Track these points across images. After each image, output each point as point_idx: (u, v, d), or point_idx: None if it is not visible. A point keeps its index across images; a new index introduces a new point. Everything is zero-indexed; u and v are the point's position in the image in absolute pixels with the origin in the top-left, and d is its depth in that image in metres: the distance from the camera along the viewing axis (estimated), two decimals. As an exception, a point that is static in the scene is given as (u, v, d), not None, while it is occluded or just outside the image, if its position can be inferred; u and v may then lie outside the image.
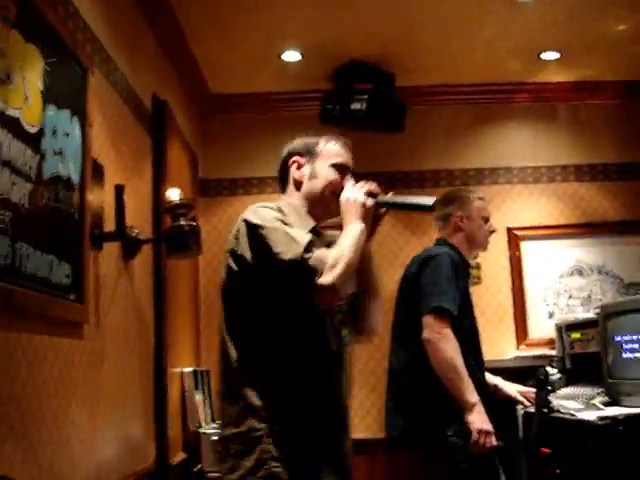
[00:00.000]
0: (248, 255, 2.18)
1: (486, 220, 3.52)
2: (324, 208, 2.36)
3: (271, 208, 2.24)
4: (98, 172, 2.99)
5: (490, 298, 5.34)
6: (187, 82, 4.93)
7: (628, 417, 3.12)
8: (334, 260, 2.10)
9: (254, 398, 2.16)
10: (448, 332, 3.09)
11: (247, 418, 2.16)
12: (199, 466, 4.18)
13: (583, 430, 3.23)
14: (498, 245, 5.36)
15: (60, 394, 2.51)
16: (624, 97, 5.55)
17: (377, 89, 5.01)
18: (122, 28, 3.51)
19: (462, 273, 3.33)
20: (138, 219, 3.52)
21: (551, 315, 5.31)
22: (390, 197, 2.32)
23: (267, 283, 2.17)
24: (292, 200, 2.38)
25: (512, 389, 3.68)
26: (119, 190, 3.09)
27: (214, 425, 4.53)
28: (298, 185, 2.39)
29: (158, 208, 3.88)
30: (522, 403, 3.69)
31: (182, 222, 3.31)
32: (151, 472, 3.59)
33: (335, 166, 2.37)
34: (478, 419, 3.02)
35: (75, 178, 2.65)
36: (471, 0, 4.24)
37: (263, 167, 5.44)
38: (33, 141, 2.30)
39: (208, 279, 5.29)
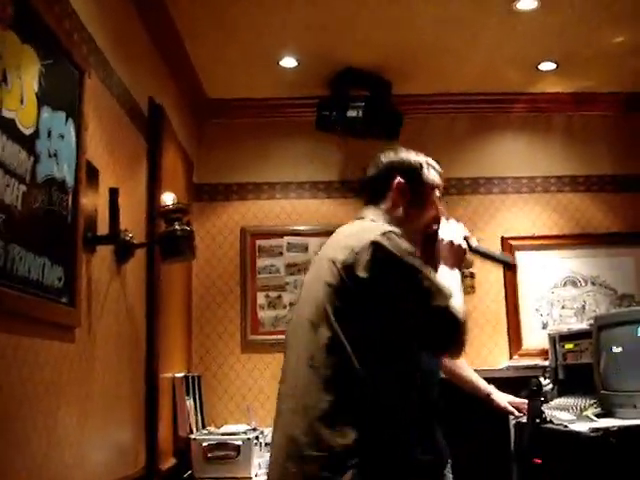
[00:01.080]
0: (371, 282, 2.00)
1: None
2: (411, 238, 2.20)
3: (402, 237, 2.09)
4: (93, 175, 2.97)
5: (484, 308, 5.33)
6: (183, 86, 4.93)
7: (620, 429, 3.10)
8: (465, 316, 2.04)
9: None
10: None
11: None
12: (189, 472, 4.16)
13: (575, 441, 3.22)
14: (492, 255, 5.35)
15: (50, 398, 2.49)
16: (621, 109, 5.56)
17: (373, 96, 5.01)
18: (119, 31, 3.50)
19: None
20: (132, 223, 3.51)
21: (544, 325, 5.30)
22: (481, 247, 2.32)
23: (398, 321, 2.02)
24: (387, 220, 2.24)
25: (504, 400, 3.67)
26: (113, 193, 3.08)
27: (204, 431, 4.51)
28: (396, 207, 2.27)
29: (152, 212, 3.87)
30: (513, 414, 3.67)
31: (176, 227, 3.29)
32: (141, 478, 3.56)
33: (436, 199, 2.32)
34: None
35: (69, 181, 2.63)
36: (469, 9, 4.24)
37: (259, 173, 5.45)
38: (28, 143, 2.28)
39: (201, 284, 5.29)
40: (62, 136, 2.58)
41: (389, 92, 5.07)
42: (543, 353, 5.00)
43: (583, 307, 5.35)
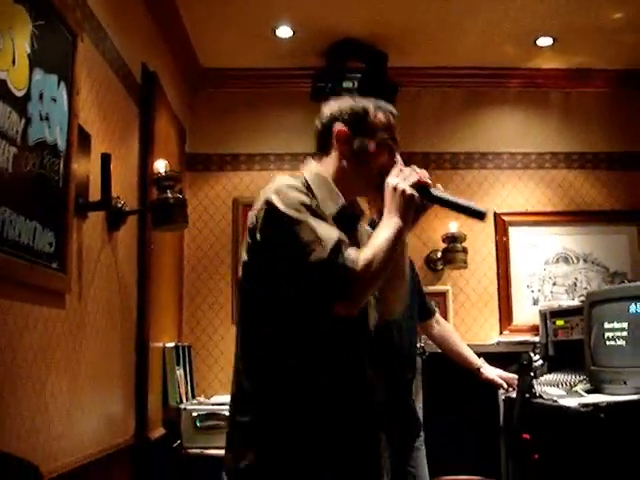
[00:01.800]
0: (267, 245, 1.94)
1: None
2: (359, 188, 2.13)
3: (299, 190, 1.98)
4: (85, 140, 2.94)
5: (475, 283, 5.34)
6: (178, 55, 4.87)
7: (610, 404, 3.12)
8: (363, 268, 1.85)
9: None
10: None
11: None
12: (178, 442, 4.17)
13: (564, 416, 3.23)
14: (485, 230, 5.35)
15: (40, 363, 2.48)
16: (616, 86, 5.54)
17: (369, 68, 4.98)
18: (113, -5, 3.45)
19: None
20: (124, 190, 3.48)
21: (535, 302, 5.31)
22: (445, 194, 2.04)
23: (283, 277, 1.94)
24: (324, 171, 2.12)
25: (494, 373, 3.67)
26: (105, 159, 3.05)
27: (194, 401, 4.51)
28: (340, 158, 2.11)
29: (144, 179, 3.84)
30: (503, 387, 3.68)
31: (169, 194, 3.28)
32: (130, 446, 3.56)
33: (385, 143, 2.10)
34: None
35: (61, 145, 2.60)
36: (468, -19, 4.21)
37: (252, 144, 5.40)
38: (19, 105, 2.25)
39: (192, 254, 5.27)
40: (54, 99, 2.55)
41: (385, 64, 5.03)
42: (533, 329, 5.01)
43: (575, 284, 5.35)
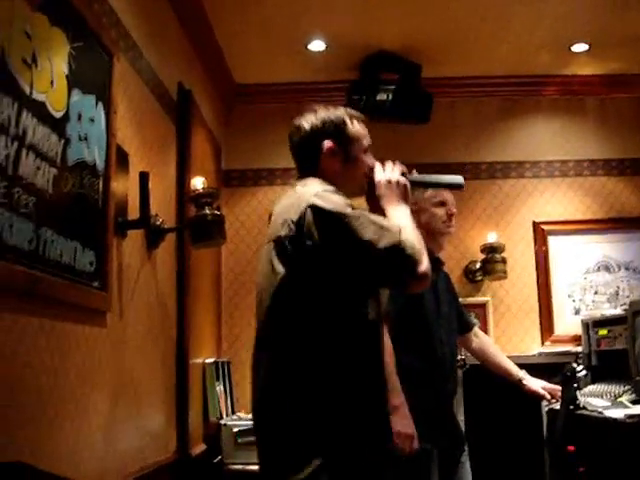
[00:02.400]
0: (324, 243, 1.98)
1: (441, 204, 3.38)
2: (353, 191, 2.25)
3: (335, 192, 2.09)
4: (123, 159, 2.96)
5: (515, 293, 5.28)
6: (212, 72, 4.90)
7: (657, 416, 3.07)
8: (420, 245, 2.01)
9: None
10: None
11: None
12: (219, 457, 4.17)
13: (610, 428, 3.18)
14: (524, 239, 5.31)
15: (82, 382, 2.49)
16: (654, 91, 5.47)
17: (403, 80, 4.97)
18: (148, 15, 3.47)
19: None
20: (162, 207, 3.50)
21: (577, 311, 5.24)
22: (421, 176, 2.29)
23: (341, 275, 2.02)
24: (327, 182, 2.20)
25: (537, 384, 3.62)
26: (144, 177, 3.07)
27: (234, 417, 4.51)
28: (330, 170, 2.23)
29: (182, 196, 3.86)
30: (546, 399, 3.62)
31: (207, 211, 3.29)
32: (172, 462, 3.57)
33: (367, 149, 2.29)
34: (399, 422, 2.96)
35: (100, 164, 2.63)
36: (501, -10, 4.19)
37: (287, 158, 5.26)
38: (58, 126, 2.27)
39: (230, 270, 5.29)
40: (92, 119, 2.57)
41: (419, 75, 5.02)
42: (575, 339, 4.95)
43: (616, 293, 5.27)
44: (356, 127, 2.27)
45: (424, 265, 1.98)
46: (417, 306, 3.16)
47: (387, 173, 2.19)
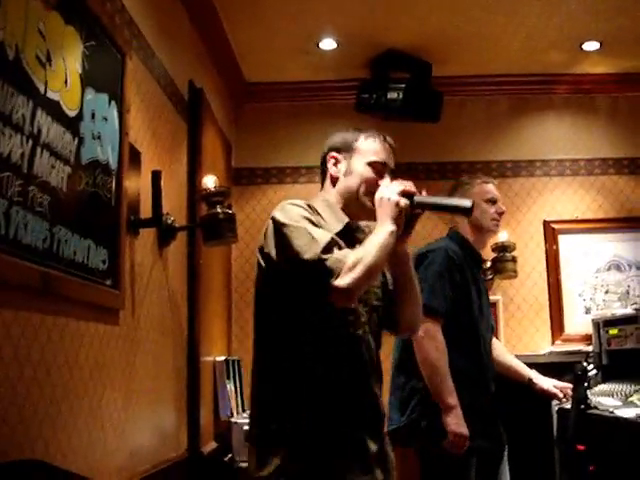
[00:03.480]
0: (273, 253, 2.12)
1: (492, 202, 3.37)
2: (359, 207, 2.28)
3: (300, 206, 2.17)
4: (135, 157, 2.97)
5: (526, 292, 5.28)
6: (223, 70, 4.91)
7: (669, 415, 3.06)
8: (354, 262, 2.02)
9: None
10: (433, 331, 3.03)
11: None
12: (229, 455, 4.17)
13: (621, 427, 3.18)
14: (534, 238, 5.31)
15: (95, 380, 2.50)
16: (666, 90, 5.45)
17: (414, 78, 4.97)
18: (160, 14, 3.48)
19: (465, 266, 3.24)
20: (173, 206, 3.51)
21: (587, 310, 5.23)
22: (427, 198, 2.23)
23: (290, 283, 2.13)
24: (328, 197, 2.32)
25: (548, 383, 3.61)
26: (156, 176, 3.08)
27: (245, 415, 4.52)
28: (334, 181, 2.33)
29: (193, 195, 3.87)
30: (558, 398, 3.62)
31: (218, 210, 3.29)
32: (184, 460, 3.58)
33: (372, 164, 2.29)
34: (453, 422, 2.97)
35: (113, 163, 2.64)
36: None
37: (297, 156, 5.41)
38: (72, 125, 2.28)
39: (240, 268, 5.29)
40: (105, 118, 2.58)
41: (429, 74, 5.01)
42: (585, 338, 4.94)
43: (627, 292, 5.26)
44: (367, 142, 2.33)
45: (343, 280, 2.00)
46: (465, 305, 3.17)
47: (385, 190, 2.18)
